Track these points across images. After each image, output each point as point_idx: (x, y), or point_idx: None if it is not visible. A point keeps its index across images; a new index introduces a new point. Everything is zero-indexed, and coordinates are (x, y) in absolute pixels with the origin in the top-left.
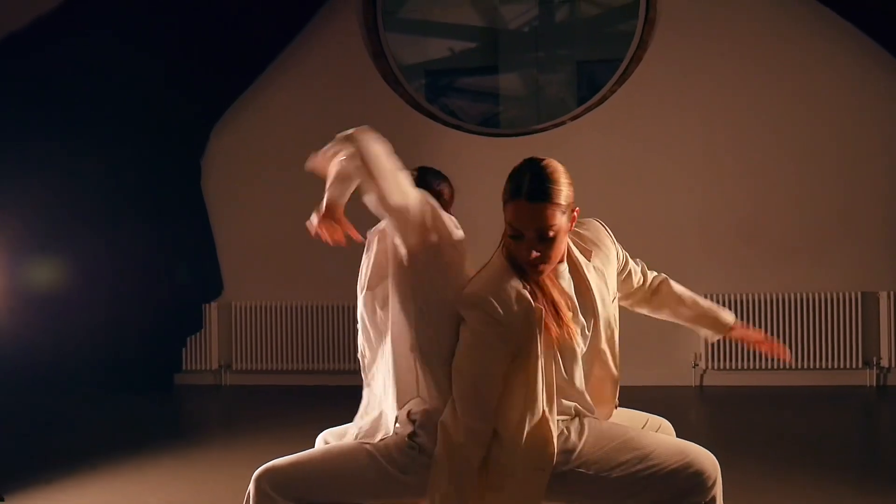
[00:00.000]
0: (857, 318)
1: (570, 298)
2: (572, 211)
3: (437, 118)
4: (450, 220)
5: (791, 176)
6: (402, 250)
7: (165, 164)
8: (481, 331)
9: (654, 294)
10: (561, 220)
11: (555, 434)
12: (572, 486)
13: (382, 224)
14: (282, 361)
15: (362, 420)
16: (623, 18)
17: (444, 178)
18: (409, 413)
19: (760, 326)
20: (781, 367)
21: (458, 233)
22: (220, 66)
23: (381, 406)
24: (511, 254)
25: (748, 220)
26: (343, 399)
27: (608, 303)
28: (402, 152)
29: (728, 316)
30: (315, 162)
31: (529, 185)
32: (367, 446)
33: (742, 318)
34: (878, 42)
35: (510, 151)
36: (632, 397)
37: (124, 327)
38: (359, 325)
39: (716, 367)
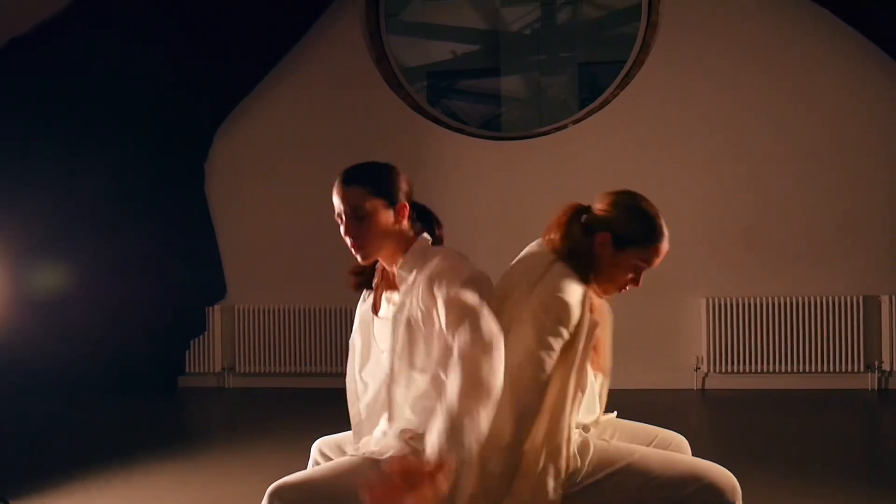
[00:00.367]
0: (859, 321)
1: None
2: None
3: (439, 121)
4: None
5: (793, 180)
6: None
7: (169, 167)
8: (549, 337)
9: None
10: None
11: (572, 446)
12: None
13: None
14: (285, 364)
15: (373, 439)
16: (625, 21)
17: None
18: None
19: (762, 330)
20: (783, 370)
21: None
22: (224, 69)
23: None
24: (604, 277)
25: (750, 223)
26: (345, 401)
27: None
28: (405, 155)
29: None
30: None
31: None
32: (377, 462)
33: (745, 322)
34: (881, 47)
35: (512, 155)
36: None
37: (128, 330)
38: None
39: (717, 370)
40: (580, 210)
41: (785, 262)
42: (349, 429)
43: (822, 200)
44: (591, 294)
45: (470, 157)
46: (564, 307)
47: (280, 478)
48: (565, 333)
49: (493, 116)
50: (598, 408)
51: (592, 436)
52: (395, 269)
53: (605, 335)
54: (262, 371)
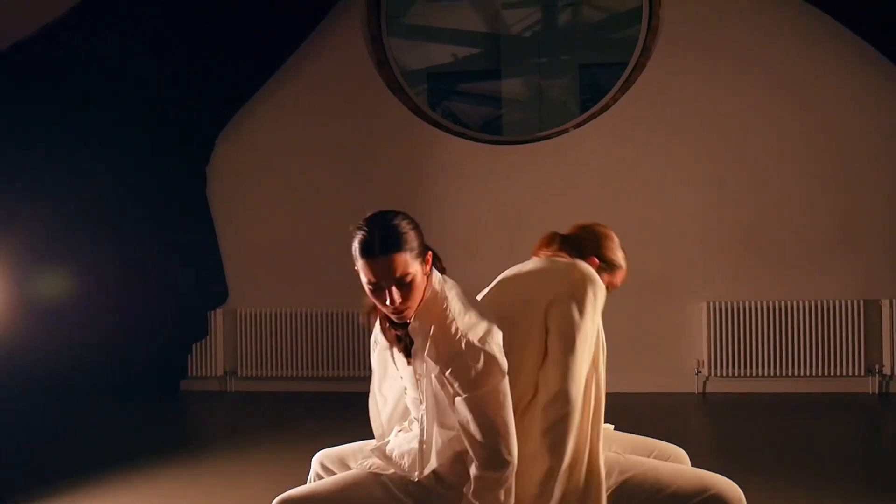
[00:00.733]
0: (860, 325)
1: None
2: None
3: (440, 126)
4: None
5: (794, 184)
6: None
7: (171, 172)
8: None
9: None
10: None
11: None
12: None
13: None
14: (286, 368)
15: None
16: (625, 24)
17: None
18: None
19: (763, 334)
20: (784, 374)
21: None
22: (226, 73)
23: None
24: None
25: (751, 227)
26: (347, 405)
27: None
28: (406, 160)
29: None
30: None
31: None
32: (382, 477)
33: (745, 326)
34: (882, 51)
35: (513, 159)
36: (635, 404)
37: (130, 334)
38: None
39: (718, 374)
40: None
41: (785, 266)
42: (350, 432)
43: (822, 204)
44: None
45: (471, 162)
46: (602, 289)
47: (281, 483)
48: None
49: (494, 118)
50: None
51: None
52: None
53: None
54: (264, 375)
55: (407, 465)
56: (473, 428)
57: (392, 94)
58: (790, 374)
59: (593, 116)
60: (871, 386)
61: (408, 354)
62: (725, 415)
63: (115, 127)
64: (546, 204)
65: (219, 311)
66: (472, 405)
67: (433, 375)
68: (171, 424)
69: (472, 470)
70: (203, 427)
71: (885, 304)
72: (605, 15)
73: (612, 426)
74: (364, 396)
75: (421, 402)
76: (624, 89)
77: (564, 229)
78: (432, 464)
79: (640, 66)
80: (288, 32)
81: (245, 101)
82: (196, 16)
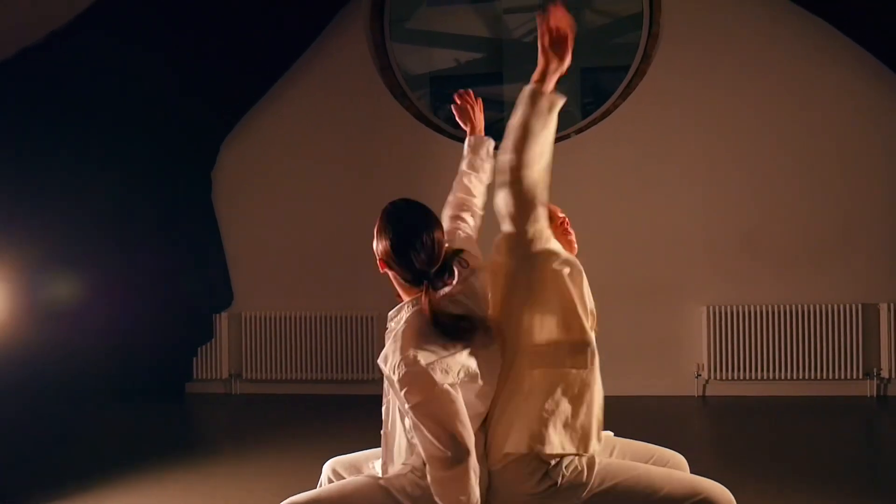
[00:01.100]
0: (858, 329)
1: None
2: None
3: (442, 131)
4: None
5: (793, 188)
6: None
7: (176, 177)
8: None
9: None
10: None
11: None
12: None
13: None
14: (291, 370)
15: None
16: (627, 29)
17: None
18: None
19: (763, 338)
20: (783, 377)
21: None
22: (230, 80)
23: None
24: None
25: (751, 232)
26: (351, 407)
27: None
28: (409, 164)
29: None
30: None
31: None
32: (381, 481)
33: (745, 330)
34: (879, 58)
35: None
36: (636, 407)
37: (136, 337)
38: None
39: (718, 377)
40: None
41: (785, 271)
42: (353, 434)
43: (821, 209)
44: None
45: None
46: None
47: (286, 484)
48: None
49: (496, 121)
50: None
51: (598, 452)
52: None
53: None
54: (269, 377)
55: (376, 465)
56: (419, 434)
57: (394, 99)
58: (789, 377)
59: (595, 122)
60: (869, 389)
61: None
62: (725, 418)
63: (121, 133)
64: None
65: (224, 314)
66: (414, 414)
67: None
68: (177, 426)
69: (428, 472)
70: (208, 429)
71: (883, 307)
72: (607, 20)
73: (612, 432)
74: (366, 398)
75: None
76: (625, 95)
77: None
78: (396, 461)
79: (640, 73)
80: (292, 39)
81: (250, 106)
82: (201, 22)
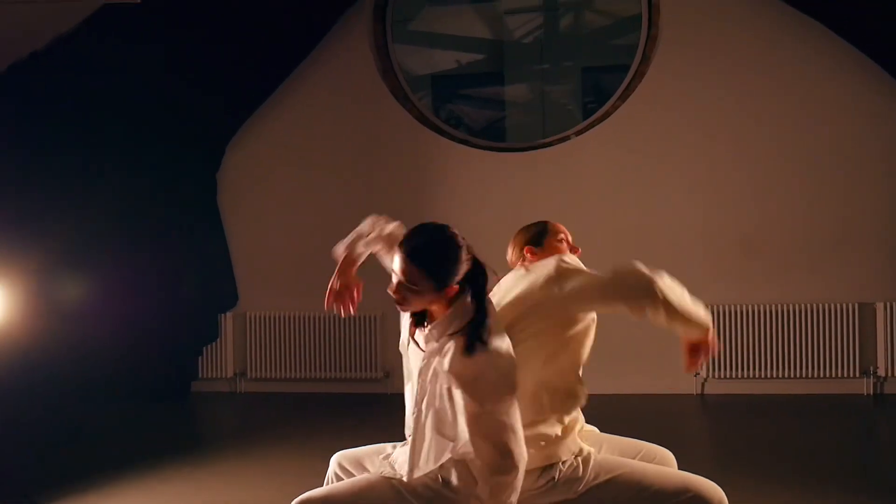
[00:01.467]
0: (855, 328)
1: None
2: None
3: (444, 133)
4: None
5: (791, 190)
6: None
7: (182, 179)
8: None
9: None
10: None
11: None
12: None
13: None
14: (295, 370)
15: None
16: (629, 29)
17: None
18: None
19: (761, 337)
20: (781, 376)
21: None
22: (234, 83)
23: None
24: None
25: (749, 232)
26: (354, 406)
27: None
28: (411, 166)
29: None
30: None
31: None
32: (393, 481)
33: (743, 329)
34: (877, 61)
35: (516, 166)
36: (635, 406)
37: (143, 337)
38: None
39: (717, 375)
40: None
41: (782, 271)
42: (358, 432)
43: (818, 210)
44: None
45: (474, 168)
46: None
47: (292, 482)
48: None
49: (497, 120)
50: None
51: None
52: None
53: None
54: (273, 376)
55: (399, 464)
56: (487, 440)
57: (396, 101)
58: (787, 375)
59: (594, 124)
60: (865, 387)
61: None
62: (724, 416)
63: (128, 136)
64: (548, 210)
65: (229, 314)
66: (486, 419)
67: (441, 386)
68: (182, 425)
69: (485, 474)
70: (214, 428)
71: (880, 306)
72: (607, 20)
73: (597, 429)
74: (369, 397)
75: (416, 401)
76: (624, 97)
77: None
78: (423, 467)
79: (639, 74)
80: (295, 43)
81: (254, 109)
82: (206, 28)
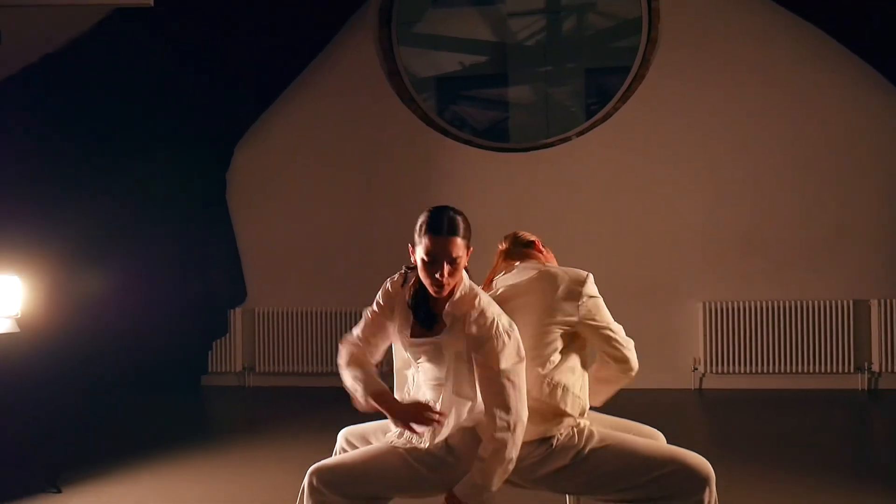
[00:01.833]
0: (850, 325)
1: None
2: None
3: (448, 133)
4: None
5: (788, 190)
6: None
7: (193, 178)
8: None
9: None
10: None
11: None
12: (572, 481)
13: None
14: (302, 364)
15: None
16: (630, 32)
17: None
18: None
19: (757, 333)
20: (777, 371)
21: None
22: (243, 85)
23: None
24: None
25: (747, 231)
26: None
27: None
28: (416, 166)
29: None
30: None
31: None
32: (400, 449)
33: (740, 325)
34: (871, 63)
35: (518, 166)
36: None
37: (154, 332)
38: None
39: (714, 371)
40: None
41: (779, 268)
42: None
43: (814, 209)
44: None
45: (477, 168)
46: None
47: (300, 468)
48: None
49: (501, 121)
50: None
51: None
52: (448, 303)
53: None
54: (281, 371)
55: (409, 435)
56: (498, 398)
57: (402, 103)
58: (783, 371)
59: (595, 125)
60: (860, 382)
61: (426, 326)
62: (721, 410)
63: (139, 138)
64: (550, 209)
65: (238, 310)
66: (499, 379)
67: (458, 352)
68: (193, 417)
69: (490, 432)
70: (223, 419)
71: (874, 303)
72: (610, 22)
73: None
74: None
75: (440, 376)
76: (624, 98)
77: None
78: (444, 433)
79: (639, 77)
80: (303, 45)
81: (262, 111)
82: (215, 31)
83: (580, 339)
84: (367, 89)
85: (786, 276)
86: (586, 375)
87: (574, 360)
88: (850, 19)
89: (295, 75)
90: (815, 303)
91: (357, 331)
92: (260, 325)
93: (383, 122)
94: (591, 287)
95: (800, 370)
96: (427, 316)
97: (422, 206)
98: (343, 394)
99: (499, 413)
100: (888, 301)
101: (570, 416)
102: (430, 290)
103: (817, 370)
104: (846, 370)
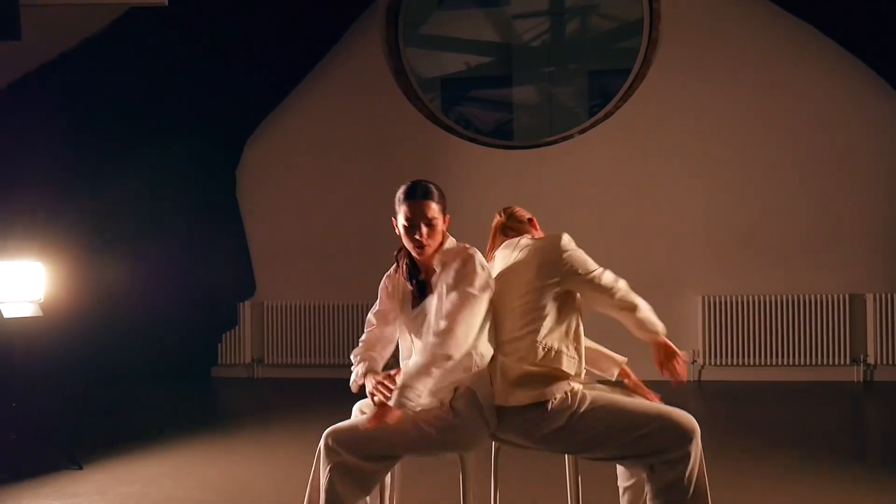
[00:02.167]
0: (846, 318)
1: None
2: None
3: (453, 131)
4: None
5: (785, 187)
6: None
7: (204, 175)
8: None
9: None
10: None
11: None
12: (569, 441)
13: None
14: (310, 356)
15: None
16: (633, 33)
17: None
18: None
19: (755, 326)
20: (775, 363)
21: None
22: (253, 84)
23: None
24: None
25: (746, 227)
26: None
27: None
28: (421, 163)
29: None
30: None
31: None
32: (410, 412)
33: (740, 319)
34: (868, 64)
35: (522, 162)
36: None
37: (166, 324)
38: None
39: (713, 363)
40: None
41: (777, 263)
42: None
43: (812, 206)
44: None
45: (481, 165)
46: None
47: (307, 452)
48: None
49: (506, 122)
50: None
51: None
52: (433, 261)
53: None
54: (289, 362)
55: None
56: (449, 307)
57: (408, 101)
58: (780, 363)
59: (598, 122)
60: (856, 375)
61: (420, 294)
62: (719, 401)
63: (153, 136)
64: (553, 204)
65: (247, 303)
66: (455, 299)
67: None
68: (204, 405)
69: (431, 345)
70: (233, 408)
71: (870, 297)
72: (613, 24)
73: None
74: None
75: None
76: (626, 97)
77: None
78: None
79: (641, 76)
80: (311, 45)
81: (271, 109)
82: (227, 31)
83: (572, 300)
84: (374, 88)
85: (784, 271)
86: (581, 338)
87: (568, 324)
88: (847, 21)
89: (304, 74)
90: (813, 296)
91: (371, 312)
92: (268, 318)
93: (390, 119)
94: (567, 242)
95: (797, 362)
96: (420, 286)
97: None
98: (347, 385)
99: (440, 322)
100: (884, 295)
101: (565, 378)
102: (414, 253)
103: (814, 362)
104: (843, 362)
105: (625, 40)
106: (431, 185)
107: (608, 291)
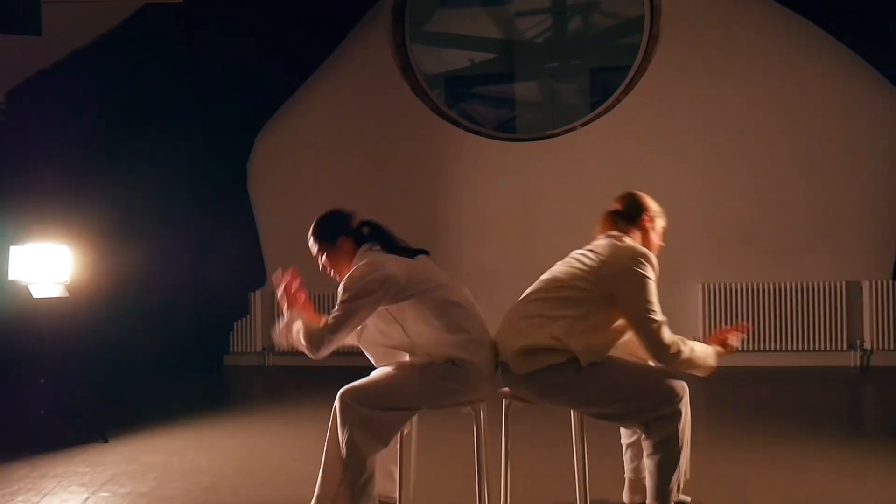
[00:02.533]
0: (843, 304)
1: None
2: None
3: (458, 124)
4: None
5: (783, 178)
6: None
7: (215, 167)
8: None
9: None
10: None
11: None
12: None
13: None
14: None
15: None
16: (634, 30)
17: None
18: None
19: (756, 312)
20: (773, 349)
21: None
22: (263, 80)
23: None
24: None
25: (746, 217)
26: None
27: None
28: (427, 156)
29: None
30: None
31: None
32: (417, 366)
33: (738, 305)
34: (865, 59)
35: (525, 154)
36: None
37: (179, 313)
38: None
39: None
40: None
41: (775, 252)
42: None
43: (809, 196)
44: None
45: (486, 157)
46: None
47: (321, 426)
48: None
49: (509, 119)
50: None
51: None
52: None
53: None
54: (299, 351)
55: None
56: (333, 315)
57: (415, 96)
58: (779, 349)
59: (599, 116)
60: (853, 360)
61: None
62: (718, 386)
63: (166, 129)
64: (554, 195)
65: (258, 292)
66: (340, 307)
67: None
68: (216, 391)
69: (322, 328)
70: (245, 395)
71: (866, 284)
72: (614, 21)
73: None
74: None
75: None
76: (627, 91)
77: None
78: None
79: (641, 70)
80: (320, 42)
81: (281, 104)
82: (238, 28)
83: (616, 313)
84: (381, 83)
85: (781, 259)
86: (611, 336)
87: (602, 320)
88: (846, 17)
89: (312, 70)
90: (810, 284)
91: None
92: (279, 307)
93: (396, 114)
94: (637, 261)
95: (795, 348)
96: None
97: (434, 193)
98: (356, 373)
99: (328, 324)
100: (879, 282)
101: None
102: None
103: (812, 348)
104: (840, 348)
105: (626, 37)
106: (312, 226)
107: (659, 345)
